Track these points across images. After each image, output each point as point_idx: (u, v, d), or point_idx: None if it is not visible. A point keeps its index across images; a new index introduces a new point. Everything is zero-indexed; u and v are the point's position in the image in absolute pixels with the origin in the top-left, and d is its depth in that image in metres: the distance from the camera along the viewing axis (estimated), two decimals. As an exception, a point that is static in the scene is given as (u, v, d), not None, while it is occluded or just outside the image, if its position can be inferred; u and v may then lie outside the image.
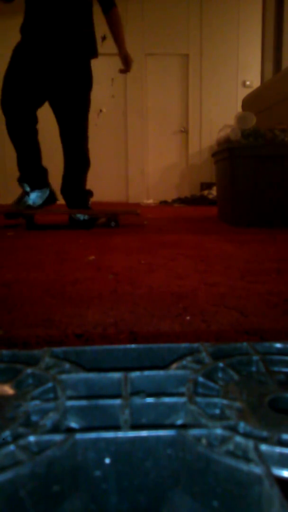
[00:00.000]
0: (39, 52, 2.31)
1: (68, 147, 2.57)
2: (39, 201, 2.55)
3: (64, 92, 2.42)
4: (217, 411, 0.30)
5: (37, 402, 0.30)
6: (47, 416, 0.28)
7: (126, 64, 2.71)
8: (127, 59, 2.69)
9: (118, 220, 2.45)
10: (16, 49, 2.35)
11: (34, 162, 2.52)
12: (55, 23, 2.27)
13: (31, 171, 2.52)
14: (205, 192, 5.79)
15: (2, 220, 2.63)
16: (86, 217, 2.51)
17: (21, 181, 2.54)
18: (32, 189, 2.53)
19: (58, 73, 2.36)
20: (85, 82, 2.48)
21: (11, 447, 0.24)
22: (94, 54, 2.49)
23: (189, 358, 0.37)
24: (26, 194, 2.53)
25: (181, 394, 0.31)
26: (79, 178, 2.65)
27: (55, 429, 0.28)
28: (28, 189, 2.52)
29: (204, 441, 0.25)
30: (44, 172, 2.57)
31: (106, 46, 5.73)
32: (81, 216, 2.51)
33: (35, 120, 2.45)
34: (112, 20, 2.53)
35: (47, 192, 2.60)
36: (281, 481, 0.23)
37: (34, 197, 2.54)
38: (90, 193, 2.71)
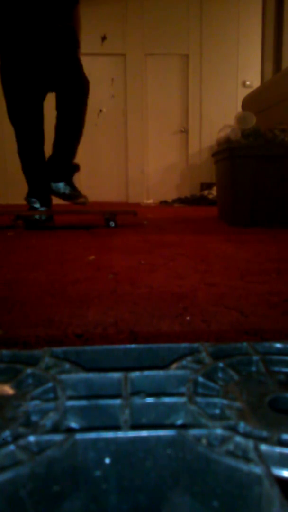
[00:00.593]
0: (23, 46, 2.28)
1: (65, 117, 2.46)
2: (46, 218, 2.54)
3: (60, 77, 2.38)
4: (217, 411, 0.30)
5: (37, 402, 0.30)
6: (47, 416, 0.28)
7: None
8: None
9: (116, 220, 2.44)
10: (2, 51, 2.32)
11: (42, 177, 2.49)
12: (30, 18, 2.25)
13: (41, 185, 2.50)
14: (205, 192, 5.79)
15: (2, 220, 2.63)
16: (67, 190, 2.45)
17: (30, 197, 2.51)
18: (42, 206, 2.51)
19: (48, 63, 2.33)
20: (76, 67, 2.41)
21: (11, 447, 0.24)
22: (76, 46, 2.44)
23: (189, 358, 0.37)
24: (35, 209, 2.51)
25: (181, 394, 0.31)
26: (70, 149, 2.53)
27: (55, 429, 0.28)
28: (38, 205, 2.50)
29: (204, 441, 0.25)
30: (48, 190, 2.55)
31: (106, 46, 5.75)
32: (61, 188, 2.45)
33: (41, 117, 2.44)
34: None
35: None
36: (281, 481, 0.23)
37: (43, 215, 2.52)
38: (76, 167, 2.61)
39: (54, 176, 2.52)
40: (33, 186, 2.51)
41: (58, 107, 2.46)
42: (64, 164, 2.53)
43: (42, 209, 2.51)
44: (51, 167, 2.52)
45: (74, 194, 2.51)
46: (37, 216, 2.48)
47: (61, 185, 2.50)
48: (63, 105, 2.43)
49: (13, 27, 2.27)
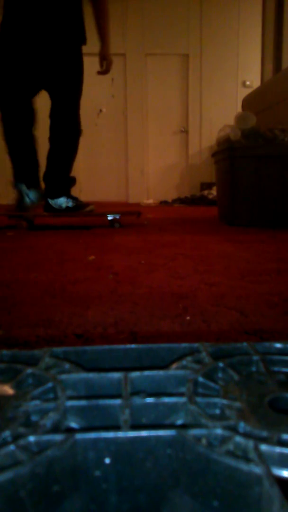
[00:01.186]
0: (25, 42, 2.21)
1: (59, 125, 2.39)
2: (36, 200, 2.44)
3: (56, 79, 2.32)
4: (217, 411, 0.30)
5: (37, 402, 0.30)
6: (47, 416, 0.28)
7: (106, 64, 2.49)
8: (107, 58, 2.48)
9: (121, 221, 2.43)
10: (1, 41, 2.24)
11: (29, 159, 2.39)
12: (37, 11, 2.17)
13: (27, 169, 2.40)
14: (205, 192, 5.79)
15: (2, 220, 2.63)
16: (70, 203, 2.38)
17: (17, 182, 2.41)
18: (29, 188, 2.42)
19: (46, 61, 2.26)
20: (76, 67, 2.34)
21: (11, 447, 0.24)
22: (83, 40, 2.35)
23: (189, 358, 0.37)
24: (25, 194, 2.43)
25: (181, 394, 0.31)
26: (66, 162, 2.45)
27: (55, 429, 0.28)
28: (24, 189, 2.40)
29: (204, 441, 0.25)
30: (37, 171, 2.45)
31: (106, 46, 5.74)
32: (63, 203, 2.39)
33: (31, 111, 2.36)
34: (98, 7, 2.34)
35: (39, 193, 2.48)
36: (281, 481, 0.23)
37: (32, 196, 2.43)
38: (73, 181, 2.55)
39: (52, 192, 2.43)
40: (19, 169, 2.39)
41: (53, 110, 2.38)
42: (62, 177, 2.45)
43: (31, 192, 2.40)
44: (48, 182, 2.43)
45: (79, 205, 2.44)
46: (27, 200, 2.39)
47: (62, 200, 2.42)
48: (58, 107, 2.36)
49: (12, 17, 2.19)
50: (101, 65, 2.48)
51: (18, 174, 2.40)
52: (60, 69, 2.31)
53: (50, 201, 2.44)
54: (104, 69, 2.50)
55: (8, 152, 2.38)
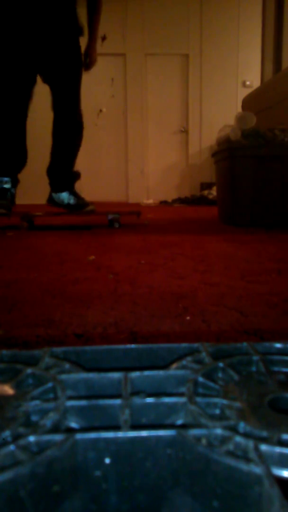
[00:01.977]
0: (22, 31, 2.16)
1: (61, 118, 2.33)
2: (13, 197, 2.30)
3: (55, 70, 2.27)
4: (217, 411, 0.30)
5: (37, 402, 0.30)
6: (47, 416, 0.28)
7: (89, 62, 2.45)
8: (92, 55, 2.45)
9: (120, 221, 2.43)
10: None
11: (19, 151, 2.30)
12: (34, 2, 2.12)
13: (15, 162, 2.30)
14: (205, 192, 5.79)
15: (2, 220, 2.63)
16: (71, 200, 2.33)
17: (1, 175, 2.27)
18: (13, 187, 2.30)
19: (45, 51, 2.21)
20: (75, 57, 2.31)
21: (11, 447, 0.24)
22: (80, 32, 2.32)
23: (189, 358, 0.37)
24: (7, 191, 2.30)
25: (181, 394, 0.31)
26: (69, 156, 2.39)
27: (55, 429, 0.28)
28: (8, 186, 2.26)
29: (204, 441, 0.25)
30: (23, 161, 2.33)
31: (106, 46, 5.74)
32: (65, 199, 2.34)
33: (26, 106, 2.29)
34: (94, 3, 2.36)
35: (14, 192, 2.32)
36: (281, 481, 0.23)
37: (13, 192, 2.30)
38: (77, 175, 2.48)
39: (55, 186, 2.38)
40: (5, 163, 2.29)
41: (54, 103, 2.32)
42: (65, 171, 2.40)
43: (13, 190, 2.31)
44: (51, 176, 2.38)
45: (80, 204, 2.40)
46: (6, 186, 2.27)
47: (64, 195, 2.37)
48: (59, 99, 2.31)
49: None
50: (84, 62, 2.44)
51: (4, 168, 2.29)
52: (59, 59, 2.26)
53: (53, 195, 2.40)
54: (87, 67, 2.46)
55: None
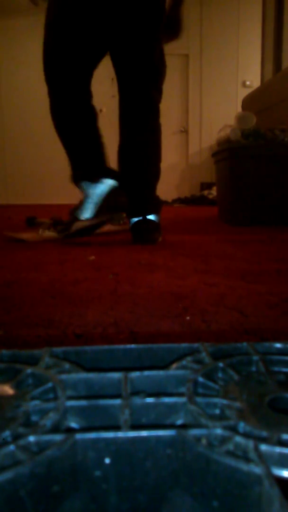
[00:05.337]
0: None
1: (132, 126, 1.86)
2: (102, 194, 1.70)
3: (130, 40, 1.73)
4: (217, 411, 0.30)
5: (37, 402, 0.30)
6: (47, 416, 0.28)
7: (177, 28, 1.90)
8: (181, 20, 1.90)
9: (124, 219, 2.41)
10: None
11: (94, 148, 1.84)
12: None
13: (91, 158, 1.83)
14: (205, 192, 5.79)
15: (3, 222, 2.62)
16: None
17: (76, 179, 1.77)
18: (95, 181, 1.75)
19: (121, 15, 1.66)
20: (157, 18, 1.74)
21: (11, 447, 0.24)
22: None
23: (189, 358, 0.37)
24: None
25: (181, 394, 0.31)
26: (148, 174, 1.80)
27: (55, 429, 0.28)
28: (89, 185, 1.74)
29: (204, 441, 0.25)
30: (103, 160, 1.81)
31: (106, 46, 5.74)
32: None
33: (89, 93, 1.86)
34: None
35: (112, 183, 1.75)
36: (281, 481, 0.23)
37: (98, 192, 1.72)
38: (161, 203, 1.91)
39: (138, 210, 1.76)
40: (82, 164, 1.87)
41: (121, 103, 1.81)
42: (147, 194, 1.79)
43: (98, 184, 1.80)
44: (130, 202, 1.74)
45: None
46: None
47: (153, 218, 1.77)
48: (127, 95, 1.87)
49: None
50: (171, 29, 1.91)
51: (83, 170, 1.84)
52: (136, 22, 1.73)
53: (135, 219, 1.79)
54: (175, 34, 1.95)
55: (65, 145, 1.85)
